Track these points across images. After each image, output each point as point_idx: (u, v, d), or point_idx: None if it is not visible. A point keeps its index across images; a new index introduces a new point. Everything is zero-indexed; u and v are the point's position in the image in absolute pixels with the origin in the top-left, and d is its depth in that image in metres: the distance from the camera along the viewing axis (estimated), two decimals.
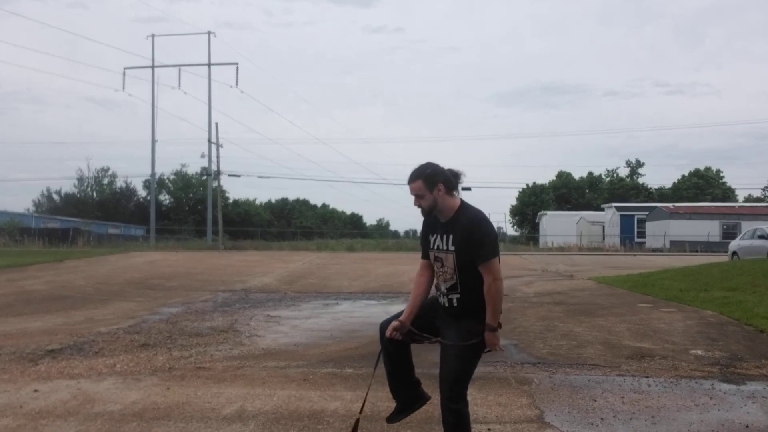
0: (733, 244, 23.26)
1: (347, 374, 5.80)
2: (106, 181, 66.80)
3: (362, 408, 3.60)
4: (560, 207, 63.72)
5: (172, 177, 67.46)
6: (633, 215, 44.83)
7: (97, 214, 57.72)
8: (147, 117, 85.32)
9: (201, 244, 42.15)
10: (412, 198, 3.42)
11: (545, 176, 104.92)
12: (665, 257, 29.88)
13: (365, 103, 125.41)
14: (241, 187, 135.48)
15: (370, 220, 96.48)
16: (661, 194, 65.22)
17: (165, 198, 67.23)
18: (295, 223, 72.10)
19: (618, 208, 46.35)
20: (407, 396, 3.60)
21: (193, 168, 70.86)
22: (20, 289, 14.31)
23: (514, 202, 69.42)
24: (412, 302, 3.49)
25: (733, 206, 47.10)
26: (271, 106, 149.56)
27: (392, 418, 3.66)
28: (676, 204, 45.89)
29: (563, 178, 71.69)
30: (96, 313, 10.56)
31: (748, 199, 63.37)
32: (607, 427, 4.29)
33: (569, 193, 69.49)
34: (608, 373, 5.79)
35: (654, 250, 38.66)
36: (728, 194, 64.21)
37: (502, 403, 4.83)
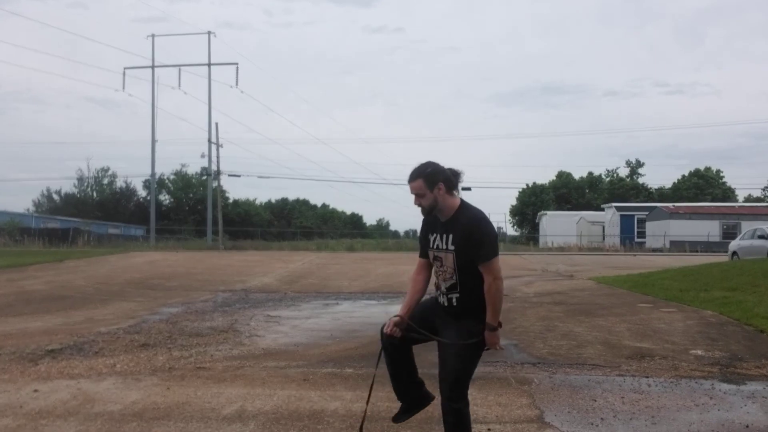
0: (733, 244, 23.26)
1: (347, 374, 5.80)
2: (106, 181, 66.88)
3: (368, 399, 3.59)
4: (560, 207, 63.72)
5: (172, 177, 67.53)
6: (633, 215, 44.83)
7: (97, 214, 57.73)
8: (147, 117, 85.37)
9: (201, 244, 42.15)
10: (413, 197, 3.42)
11: (545, 176, 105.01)
12: (665, 257, 29.88)
13: (365, 103, 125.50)
14: (241, 187, 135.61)
15: (370, 220, 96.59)
16: (661, 194, 65.22)
17: (165, 198, 67.24)
18: (295, 223, 72.10)
19: (618, 208, 46.35)
20: (412, 396, 3.61)
21: (193, 168, 70.93)
22: (20, 289, 14.31)
23: (514, 202, 69.48)
24: (409, 299, 3.50)
25: (733, 206, 47.09)
26: (271, 106, 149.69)
27: (398, 418, 3.68)
28: (676, 204, 45.89)
29: (563, 178, 71.69)
30: (96, 313, 10.55)
31: (748, 199, 63.38)
32: (607, 427, 4.29)
33: (569, 193, 69.50)
34: (608, 373, 5.79)
35: (654, 250, 38.66)
36: (728, 194, 64.21)
37: (502, 403, 4.83)
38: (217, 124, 41.85)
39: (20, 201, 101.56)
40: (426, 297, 3.58)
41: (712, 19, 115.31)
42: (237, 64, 48.93)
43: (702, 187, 64.78)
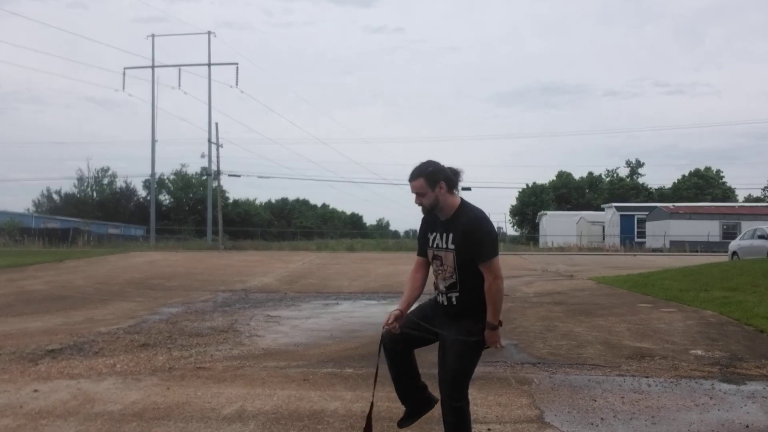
0: (733, 244, 23.26)
1: (347, 374, 5.80)
2: (106, 181, 66.88)
3: (374, 391, 3.57)
4: (560, 207, 63.72)
5: (172, 177, 67.53)
6: (633, 215, 44.84)
7: (97, 214, 57.73)
8: (147, 117, 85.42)
9: (201, 244, 42.15)
10: (413, 196, 3.42)
11: (545, 176, 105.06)
12: (665, 257, 29.88)
13: (365, 103, 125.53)
14: (241, 187, 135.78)
15: (370, 220, 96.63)
16: (661, 194, 65.23)
17: (165, 198, 67.24)
18: (295, 223, 72.10)
19: (618, 208, 46.35)
20: (415, 400, 3.60)
21: (193, 168, 70.98)
22: (20, 289, 14.31)
23: (514, 202, 69.49)
24: (408, 295, 3.49)
25: (733, 206, 47.09)
26: (271, 106, 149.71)
27: (402, 423, 3.67)
28: (676, 204, 45.89)
29: (563, 178, 71.69)
30: (96, 313, 10.55)
31: (748, 199, 63.39)
32: (607, 427, 4.29)
33: (569, 193, 69.50)
34: (608, 373, 5.79)
35: (654, 250, 38.66)
36: (728, 194, 64.23)
37: (502, 403, 4.83)
38: (217, 124, 41.91)
39: (20, 201, 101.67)
40: (425, 300, 3.58)
41: (712, 19, 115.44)
42: (237, 64, 49.05)
43: (702, 187, 64.79)
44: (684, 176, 68.35)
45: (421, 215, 3.54)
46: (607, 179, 72.31)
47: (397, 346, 3.45)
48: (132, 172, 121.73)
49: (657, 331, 7.91)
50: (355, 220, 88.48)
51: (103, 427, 4.30)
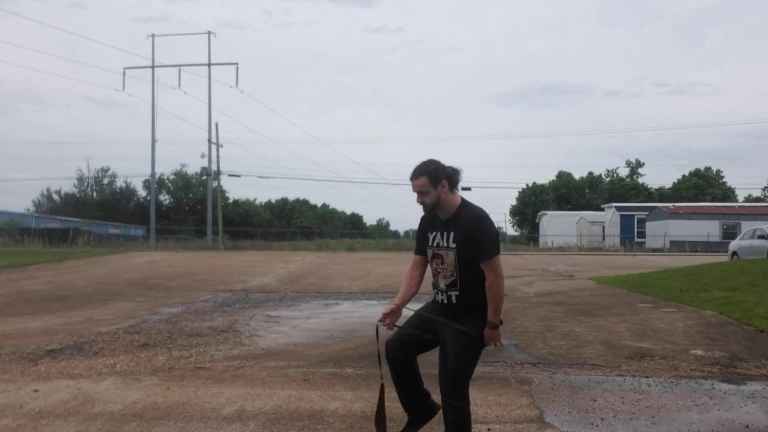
0: (733, 244, 23.26)
1: (347, 374, 5.80)
2: (106, 181, 66.91)
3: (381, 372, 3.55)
4: (560, 207, 63.73)
5: (172, 177, 67.55)
6: (633, 215, 44.84)
7: (97, 214, 57.73)
8: (147, 117, 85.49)
9: (201, 244, 42.14)
10: (414, 196, 3.43)
11: (545, 176, 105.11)
12: (665, 257, 29.88)
13: (365, 103, 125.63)
14: (241, 187, 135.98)
15: (370, 220, 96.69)
16: (661, 194, 65.24)
17: (165, 198, 67.25)
18: (295, 223, 72.11)
19: (618, 208, 46.35)
20: (418, 408, 3.60)
21: (193, 168, 71.05)
22: (20, 289, 14.31)
23: (514, 202, 69.50)
24: (404, 291, 3.50)
25: (733, 206, 47.09)
26: (271, 106, 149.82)
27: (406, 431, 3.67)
28: (676, 204, 45.89)
29: (563, 178, 71.70)
30: (96, 313, 10.55)
31: (748, 199, 63.40)
32: (607, 427, 4.29)
33: (569, 193, 69.50)
34: (608, 373, 5.79)
35: (654, 250, 38.66)
36: (728, 194, 64.24)
37: (502, 403, 4.83)
38: (217, 124, 41.93)
39: (20, 201, 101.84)
40: (422, 305, 3.58)
41: (712, 19, 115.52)
42: (237, 64, 49.11)
43: (702, 187, 64.80)
44: (684, 176, 68.40)
45: (421, 214, 3.55)
46: (607, 179, 72.31)
47: (400, 354, 3.45)
48: (132, 172, 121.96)
49: (657, 331, 7.91)
50: (355, 220, 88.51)
51: (103, 427, 4.30)
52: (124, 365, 6.22)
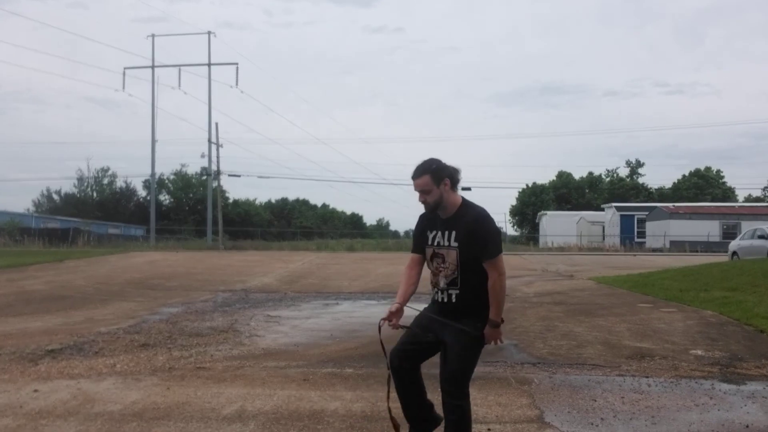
0: (733, 244, 23.25)
1: (347, 374, 5.80)
2: (106, 181, 66.90)
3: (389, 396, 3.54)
4: (560, 207, 63.72)
5: (172, 177, 67.56)
6: (633, 215, 44.84)
7: (97, 214, 57.73)
8: (147, 117, 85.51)
9: (201, 244, 42.14)
10: (414, 195, 3.43)
11: (545, 176, 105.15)
12: (665, 257, 29.88)
13: (365, 103, 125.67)
14: (241, 187, 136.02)
15: (370, 220, 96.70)
16: (661, 194, 65.25)
17: (165, 198, 67.24)
18: (295, 223, 72.11)
19: (618, 208, 46.35)
20: (421, 420, 3.58)
21: (193, 168, 71.06)
22: (20, 289, 14.31)
23: (514, 202, 69.51)
24: (404, 289, 3.48)
25: (733, 206, 47.10)
26: (271, 106, 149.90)
27: None
28: (676, 204, 45.89)
29: (563, 178, 71.69)
30: (96, 313, 10.55)
31: (748, 199, 63.40)
32: (607, 427, 4.29)
33: (569, 193, 69.50)
34: (608, 373, 5.79)
35: (654, 250, 38.66)
36: (728, 194, 64.25)
37: (502, 403, 4.83)
38: (217, 124, 41.93)
39: (20, 201, 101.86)
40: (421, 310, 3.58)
41: (712, 19, 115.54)
42: (237, 64, 49.11)
43: (702, 187, 64.80)
44: (684, 176, 68.42)
45: (419, 214, 3.56)
46: (607, 179, 72.32)
47: (405, 363, 3.44)
48: (132, 172, 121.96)
49: (657, 331, 7.91)
50: (355, 220, 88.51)
51: (103, 427, 4.30)
52: (124, 365, 6.22)
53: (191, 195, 66.83)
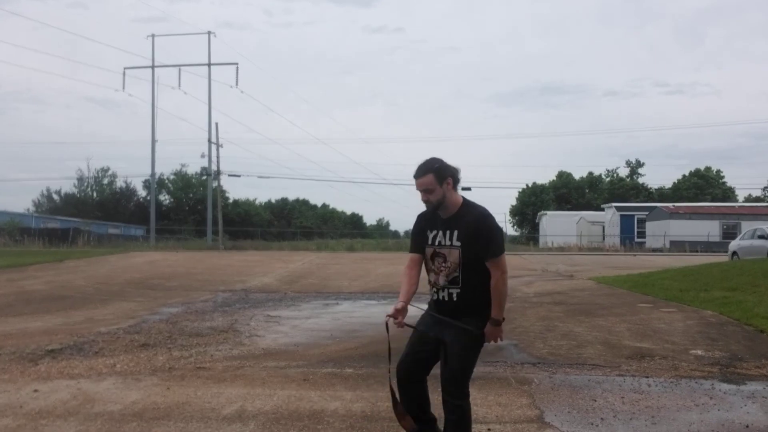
0: (733, 244, 23.25)
1: (347, 374, 5.80)
2: (106, 181, 66.88)
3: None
4: (560, 207, 63.71)
5: (172, 177, 67.53)
6: (633, 215, 44.82)
7: (97, 214, 57.72)
8: (147, 117, 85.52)
9: (201, 244, 42.13)
10: (416, 195, 3.42)
11: (545, 176, 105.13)
12: (665, 257, 29.88)
13: (365, 103, 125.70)
14: (241, 187, 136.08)
15: (370, 220, 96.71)
16: (661, 194, 65.23)
17: (165, 198, 67.24)
18: (295, 223, 72.10)
19: (618, 208, 46.34)
20: None
21: (193, 168, 71.05)
22: (20, 289, 14.31)
23: (514, 202, 69.49)
24: (407, 289, 3.45)
25: (733, 206, 47.08)
26: (271, 106, 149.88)
27: None
28: (676, 204, 45.87)
29: (563, 178, 71.68)
30: (96, 313, 10.55)
31: (748, 199, 63.41)
32: (607, 427, 4.29)
33: (569, 193, 69.48)
34: (608, 373, 5.79)
35: (654, 250, 38.66)
36: (728, 194, 64.24)
37: (502, 403, 4.83)
38: (217, 124, 41.91)
39: (20, 201, 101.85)
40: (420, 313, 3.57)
41: (712, 19, 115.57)
42: (237, 64, 49.09)
43: (702, 187, 64.79)
44: (684, 176, 68.40)
45: (417, 213, 3.56)
46: (607, 179, 72.31)
47: (413, 376, 3.44)
48: (132, 172, 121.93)
49: (657, 331, 7.91)
50: (355, 220, 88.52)
51: (103, 427, 4.30)
52: (124, 365, 6.22)
53: (191, 195, 66.83)
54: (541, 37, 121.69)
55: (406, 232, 72.69)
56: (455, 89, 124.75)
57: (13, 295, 12.98)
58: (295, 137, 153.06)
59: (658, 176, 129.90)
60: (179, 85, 45.42)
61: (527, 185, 69.23)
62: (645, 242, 41.90)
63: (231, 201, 66.02)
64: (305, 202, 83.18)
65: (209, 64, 44.67)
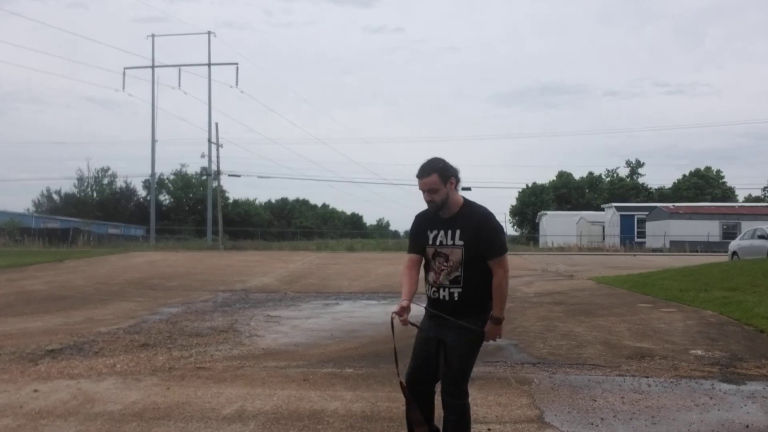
0: (733, 244, 23.24)
1: (347, 374, 5.80)
2: (106, 181, 66.86)
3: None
4: (560, 207, 63.70)
5: (172, 177, 67.51)
6: (633, 215, 44.82)
7: (97, 214, 57.72)
8: (147, 117, 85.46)
9: (201, 244, 42.13)
10: (418, 194, 3.41)
11: (545, 176, 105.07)
12: (665, 257, 29.88)
13: (365, 103, 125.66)
14: (241, 187, 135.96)
15: (370, 220, 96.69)
16: (661, 194, 65.22)
17: (165, 198, 67.23)
18: (295, 223, 72.09)
19: (618, 208, 46.33)
20: None
21: (193, 168, 71.09)
22: (20, 289, 14.31)
23: (514, 202, 69.45)
24: (408, 288, 3.42)
25: (733, 206, 47.08)
26: (271, 106, 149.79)
27: None
28: (676, 204, 45.86)
29: (563, 178, 71.67)
30: (96, 313, 10.56)
31: (748, 199, 63.40)
32: (607, 427, 4.29)
33: (569, 193, 69.48)
34: (608, 373, 5.79)
35: (654, 250, 38.65)
36: (728, 194, 64.21)
37: (502, 403, 4.83)
38: (217, 124, 41.92)
39: (20, 201, 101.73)
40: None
41: (712, 19, 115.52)
42: (237, 64, 49.02)
43: (702, 187, 64.78)
44: (684, 176, 68.37)
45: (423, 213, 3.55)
46: (607, 179, 72.30)
47: (423, 388, 3.43)
48: (132, 172, 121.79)
49: (657, 331, 7.91)
50: (355, 220, 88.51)
51: (103, 427, 4.30)
52: (124, 365, 6.22)
53: (191, 195, 66.82)
54: (541, 37, 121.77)
55: (406, 232, 72.29)
56: (455, 89, 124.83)
57: (13, 295, 12.98)
58: (295, 137, 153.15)
59: (658, 176, 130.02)
60: (179, 85, 45.43)
61: (527, 185, 69.27)
62: (645, 242, 41.89)
63: (231, 201, 66.01)
64: (305, 202, 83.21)
65: (209, 64, 44.68)
